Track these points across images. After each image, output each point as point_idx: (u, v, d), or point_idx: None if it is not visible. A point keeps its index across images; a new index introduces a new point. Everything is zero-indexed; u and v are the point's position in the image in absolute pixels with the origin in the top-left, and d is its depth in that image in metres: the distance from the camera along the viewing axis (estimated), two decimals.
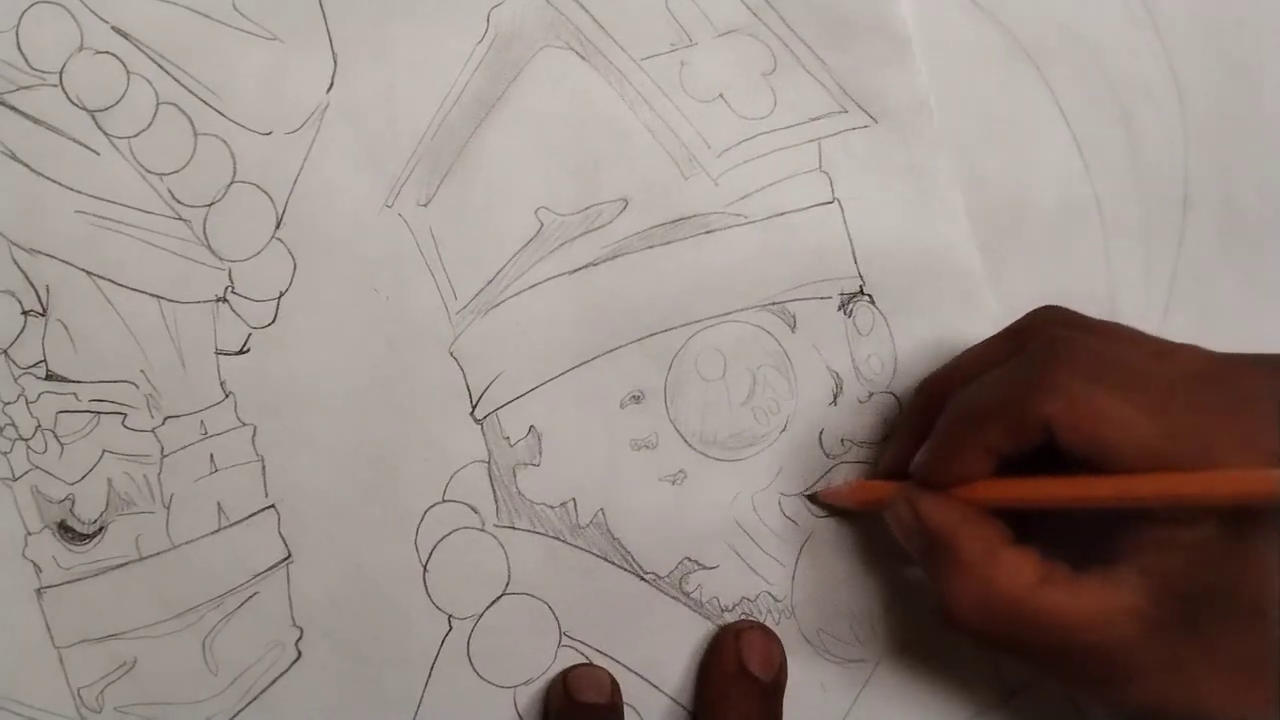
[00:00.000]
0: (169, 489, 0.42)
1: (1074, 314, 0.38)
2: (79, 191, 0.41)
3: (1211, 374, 0.35)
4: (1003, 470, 0.37)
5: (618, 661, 0.43)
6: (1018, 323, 0.39)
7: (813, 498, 0.44)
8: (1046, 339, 0.37)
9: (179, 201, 0.41)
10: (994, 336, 0.40)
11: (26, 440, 0.41)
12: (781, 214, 0.43)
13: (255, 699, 0.42)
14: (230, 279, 0.42)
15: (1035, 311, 0.39)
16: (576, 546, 0.43)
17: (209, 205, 0.41)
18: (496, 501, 0.42)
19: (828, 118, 0.44)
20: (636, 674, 0.43)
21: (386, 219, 0.42)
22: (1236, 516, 0.33)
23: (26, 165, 0.41)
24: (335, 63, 0.42)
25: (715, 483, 0.43)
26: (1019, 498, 0.37)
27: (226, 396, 0.42)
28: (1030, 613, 0.35)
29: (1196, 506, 0.34)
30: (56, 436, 0.41)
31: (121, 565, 0.41)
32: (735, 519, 0.43)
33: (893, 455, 0.42)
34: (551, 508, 0.43)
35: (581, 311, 0.43)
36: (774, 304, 0.43)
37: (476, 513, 0.42)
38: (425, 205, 0.42)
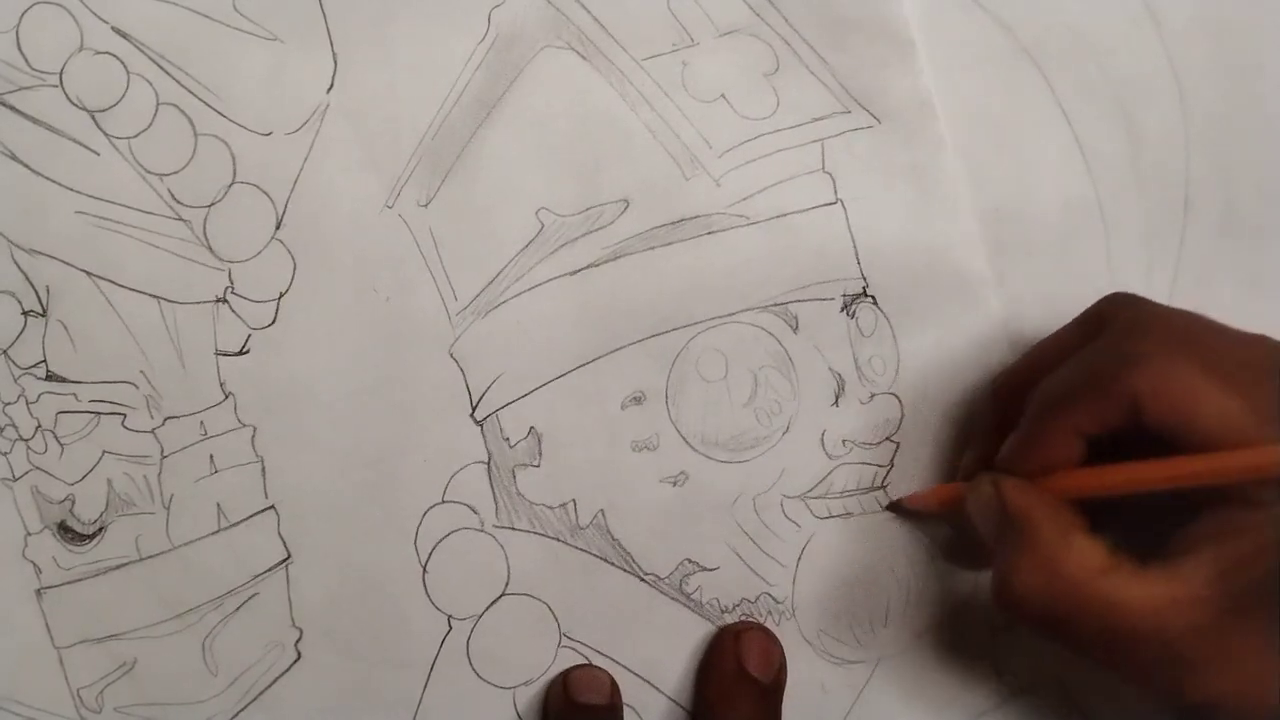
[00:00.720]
0: (169, 490, 0.42)
1: (1145, 299, 0.38)
2: (79, 192, 0.41)
3: None
4: (1090, 461, 0.37)
5: (617, 662, 0.43)
6: (1089, 310, 0.39)
7: (893, 507, 0.44)
8: (1126, 320, 0.37)
9: (179, 202, 0.41)
10: (1065, 326, 0.40)
11: (26, 441, 0.41)
12: (784, 215, 0.43)
13: (255, 699, 0.42)
14: (230, 279, 0.42)
15: (1106, 298, 0.39)
16: (576, 547, 0.43)
17: (209, 206, 0.41)
18: (496, 502, 0.42)
19: (830, 118, 0.43)
20: (636, 675, 0.43)
21: (387, 219, 0.42)
22: None
23: (26, 166, 0.41)
24: (335, 63, 0.42)
25: (716, 484, 0.43)
26: (1103, 484, 0.37)
27: (226, 397, 0.42)
28: (1093, 598, 0.35)
29: (1276, 481, 0.34)
30: (56, 437, 0.41)
31: (121, 566, 0.41)
32: (736, 520, 0.43)
33: (974, 457, 0.42)
34: (551, 509, 0.43)
35: (582, 312, 0.43)
36: (776, 305, 0.43)
37: (476, 513, 0.42)
38: (425, 206, 0.42)
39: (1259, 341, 0.36)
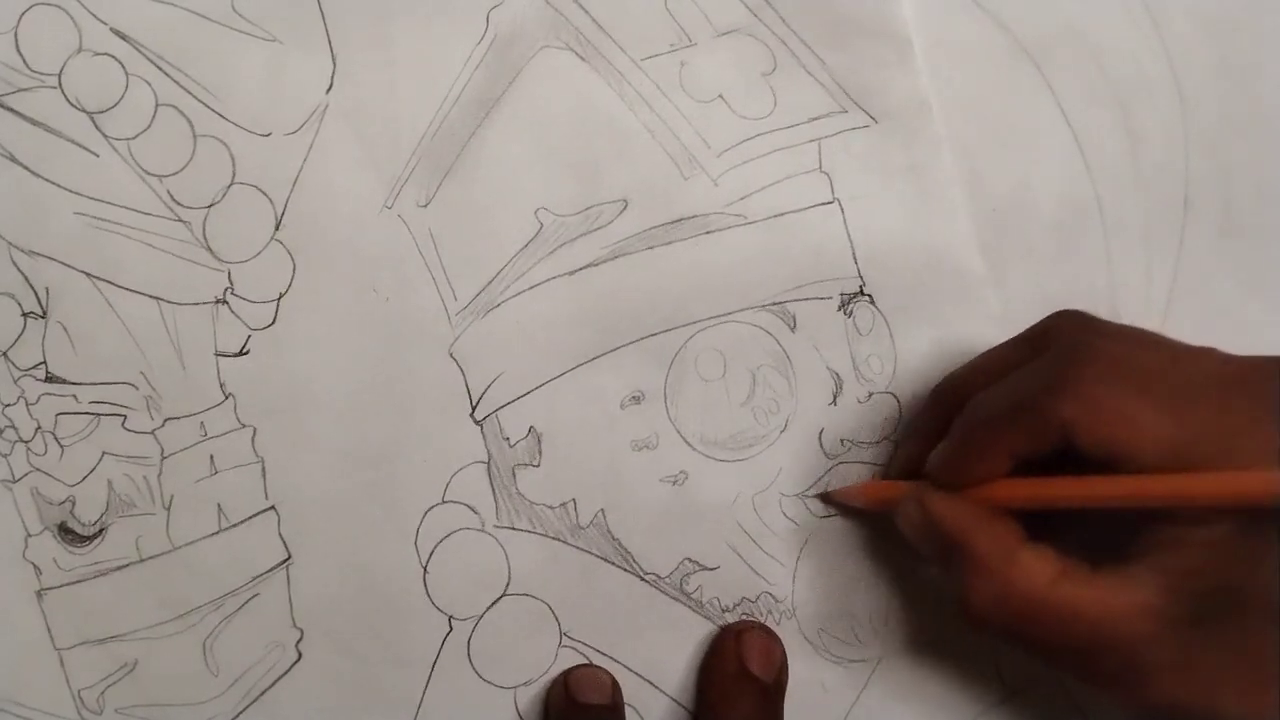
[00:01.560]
0: (169, 490, 0.42)
1: (1092, 318, 0.38)
2: (78, 193, 0.41)
3: (1229, 377, 0.35)
4: (1018, 472, 0.37)
5: (618, 662, 0.43)
6: (1035, 327, 0.39)
7: (823, 497, 0.43)
8: (1067, 342, 0.37)
9: (178, 203, 0.41)
10: (1010, 340, 0.40)
11: (26, 442, 0.41)
12: (781, 214, 0.43)
13: (256, 700, 0.42)
14: (230, 280, 0.42)
15: (1053, 316, 0.39)
16: (577, 547, 0.43)
17: (208, 207, 0.41)
18: (496, 502, 0.42)
19: (828, 118, 0.43)
20: (637, 674, 0.43)
21: (386, 220, 0.42)
22: (1253, 517, 0.33)
23: (26, 167, 0.41)
24: (334, 64, 0.42)
25: (715, 483, 0.43)
26: (1035, 498, 0.37)
27: (226, 398, 0.42)
28: (1048, 609, 0.35)
29: (1212, 507, 0.34)
30: (56, 438, 0.41)
31: (122, 567, 0.42)
32: (736, 519, 0.43)
33: (905, 456, 0.42)
34: (551, 508, 0.43)
35: (581, 312, 0.43)
36: (774, 304, 0.43)
37: (476, 513, 0.42)
38: (425, 206, 0.42)
39: (1202, 356, 0.36)
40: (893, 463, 0.43)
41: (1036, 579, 0.35)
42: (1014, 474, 0.37)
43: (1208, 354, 0.36)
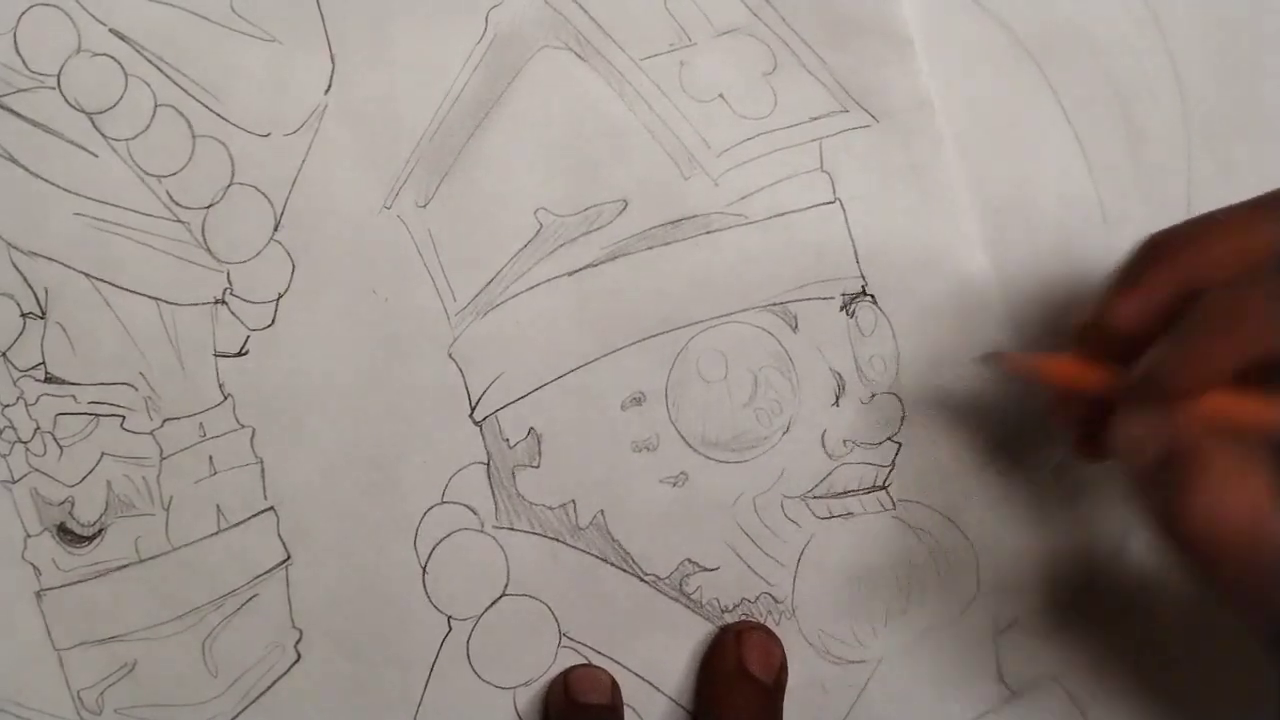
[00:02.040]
0: (168, 491, 0.42)
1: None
2: (77, 194, 0.41)
3: None
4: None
5: (618, 662, 0.43)
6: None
7: (989, 357, 0.41)
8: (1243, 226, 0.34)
9: (177, 203, 0.41)
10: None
11: (25, 443, 0.41)
12: (782, 214, 0.43)
13: (255, 700, 0.42)
14: (229, 281, 0.42)
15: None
16: (576, 548, 0.43)
17: (207, 207, 0.41)
18: (496, 503, 0.42)
19: (828, 117, 0.43)
20: (637, 675, 0.43)
21: (385, 220, 0.42)
22: None
23: (25, 168, 0.41)
24: (333, 64, 0.42)
25: (716, 484, 0.43)
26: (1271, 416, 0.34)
27: (225, 398, 0.42)
28: (1271, 532, 0.33)
29: None
30: (55, 439, 0.41)
31: (121, 567, 0.42)
32: (736, 521, 0.43)
33: (1093, 325, 0.38)
34: (551, 509, 0.43)
35: (581, 313, 0.43)
36: (775, 304, 0.43)
37: (476, 514, 0.42)
38: (424, 206, 0.42)
39: None
40: (1078, 328, 0.38)
41: (1263, 496, 0.33)
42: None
43: None
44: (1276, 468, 0.34)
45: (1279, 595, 0.33)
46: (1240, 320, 0.34)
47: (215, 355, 0.42)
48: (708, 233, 0.43)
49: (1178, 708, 0.43)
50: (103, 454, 0.41)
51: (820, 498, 0.43)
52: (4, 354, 0.41)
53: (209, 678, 0.42)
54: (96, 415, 0.41)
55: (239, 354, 0.42)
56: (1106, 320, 0.37)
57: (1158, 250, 0.36)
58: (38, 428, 0.41)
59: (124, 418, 0.41)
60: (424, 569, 0.42)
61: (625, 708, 0.43)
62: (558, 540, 0.43)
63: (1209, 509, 0.33)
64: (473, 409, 0.42)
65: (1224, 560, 0.34)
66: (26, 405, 0.41)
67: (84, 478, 0.41)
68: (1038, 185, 0.44)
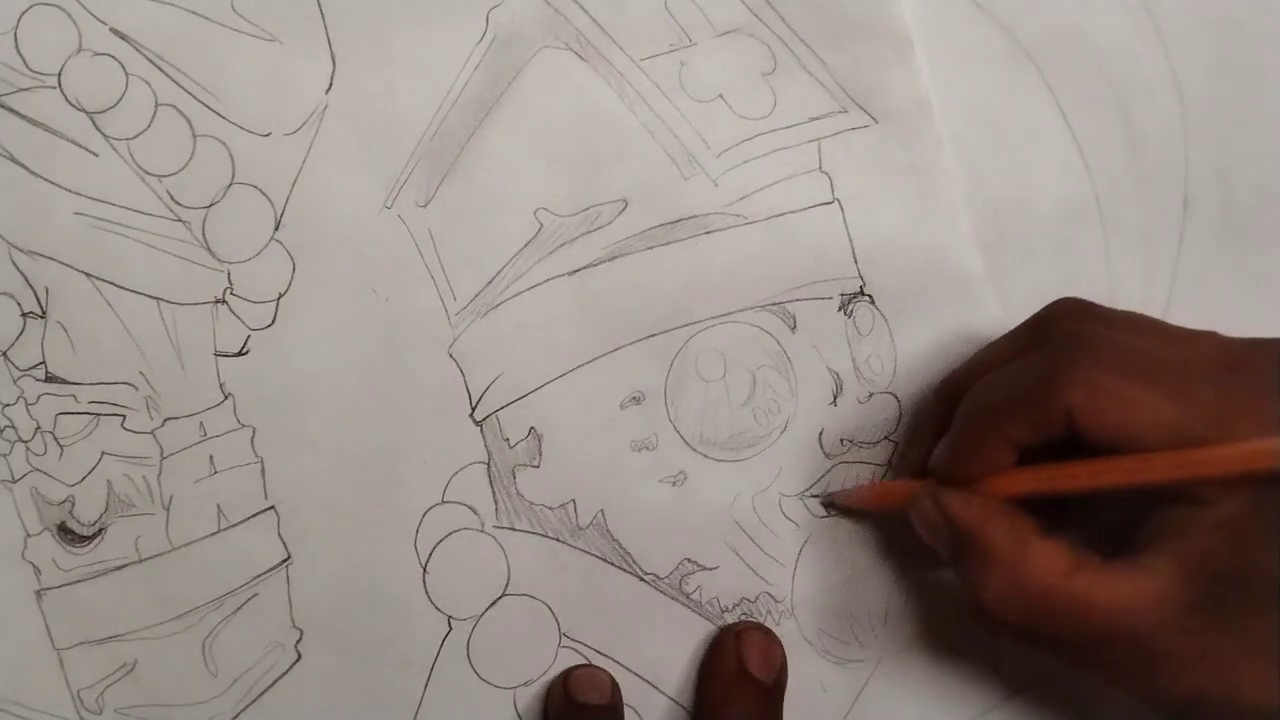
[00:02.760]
0: (168, 490, 0.42)
1: (1091, 305, 0.38)
2: (78, 193, 0.41)
3: (1229, 358, 0.35)
4: (1022, 463, 0.37)
5: (618, 662, 0.43)
6: (1035, 317, 0.39)
7: (827, 501, 0.43)
8: (1066, 331, 0.37)
9: (178, 203, 0.41)
10: (1011, 332, 0.40)
11: (26, 442, 0.41)
12: (781, 214, 0.43)
13: (255, 700, 0.42)
14: (229, 280, 0.42)
15: (1052, 305, 0.39)
16: (576, 548, 0.43)
17: (208, 207, 0.41)
18: (496, 503, 0.42)
19: (828, 118, 0.43)
20: (637, 675, 0.43)
21: (385, 220, 0.42)
22: (1261, 494, 0.33)
23: (25, 167, 0.41)
24: (334, 64, 0.42)
25: (715, 484, 0.43)
26: (1043, 486, 0.37)
27: (226, 398, 0.42)
28: (1062, 601, 0.35)
29: (1218, 480, 0.34)
30: (56, 438, 0.41)
31: (121, 567, 0.42)
32: (735, 520, 0.43)
33: (911, 455, 0.42)
34: (551, 509, 0.43)
35: (581, 312, 0.43)
36: (774, 304, 0.43)
37: (476, 514, 0.42)
38: (424, 206, 0.42)
39: (1201, 339, 0.36)
40: (898, 462, 0.43)
41: (1051, 571, 0.35)
42: (1019, 465, 0.37)
43: (1207, 336, 0.36)
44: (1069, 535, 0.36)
45: (1100, 659, 0.35)
46: (994, 411, 0.37)
47: (216, 355, 0.42)
48: (707, 233, 0.43)
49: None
50: (103, 453, 0.41)
51: (818, 496, 0.43)
52: (4, 353, 0.41)
53: (209, 677, 0.42)
54: (97, 415, 0.41)
55: (239, 354, 0.42)
56: (911, 469, 0.42)
57: (941, 393, 0.42)
58: (38, 427, 0.41)
59: (124, 417, 0.41)
60: (424, 569, 0.42)
61: (625, 708, 0.43)
62: (558, 540, 0.43)
63: (999, 590, 0.36)
64: (473, 409, 0.42)
65: (1036, 636, 0.36)
66: (27, 405, 0.41)
67: (84, 477, 0.41)
68: (1036, 185, 0.44)
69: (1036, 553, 0.36)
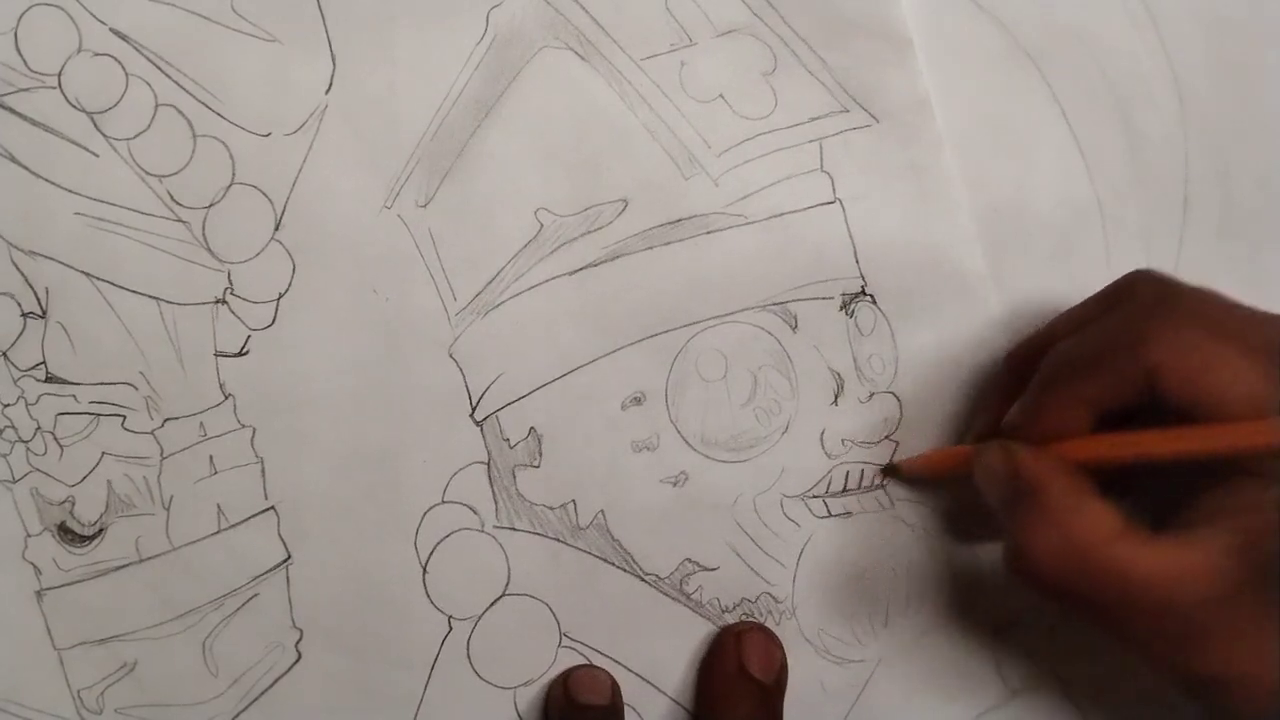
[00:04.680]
0: (169, 491, 0.42)
1: (1171, 277, 0.38)
2: (78, 193, 0.41)
3: None
4: (1097, 430, 0.37)
5: (618, 662, 0.43)
6: (1111, 285, 0.39)
7: (890, 470, 0.43)
8: (1150, 292, 0.37)
9: (178, 203, 0.41)
10: (1085, 301, 0.40)
11: (26, 442, 0.41)
12: (782, 214, 0.43)
13: (255, 700, 0.42)
14: (229, 280, 0.42)
15: (1130, 274, 0.39)
16: (577, 548, 0.43)
17: (208, 207, 0.41)
18: (496, 503, 0.42)
19: (828, 117, 0.43)
20: (637, 675, 0.43)
21: (386, 220, 0.42)
22: None
23: (25, 167, 0.41)
24: (334, 64, 0.42)
25: (716, 484, 0.43)
26: (1116, 452, 0.36)
27: (226, 398, 0.42)
28: (1106, 564, 0.34)
29: None
30: (56, 438, 0.41)
31: (121, 567, 0.42)
32: (736, 520, 0.43)
33: (982, 423, 0.42)
34: (551, 509, 0.43)
35: (582, 312, 0.43)
36: (775, 304, 0.43)
37: (476, 514, 0.42)
38: (424, 206, 0.42)
39: (1277, 319, 0.36)
40: (970, 430, 0.43)
41: (1100, 531, 0.35)
42: (1095, 431, 0.37)
43: None
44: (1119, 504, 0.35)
45: (1135, 628, 0.35)
46: (1074, 369, 0.37)
47: (216, 355, 0.42)
48: (708, 233, 0.43)
49: (1177, 707, 0.43)
50: (103, 453, 0.41)
51: (819, 497, 0.43)
52: (4, 354, 0.41)
53: (209, 677, 0.42)
54: (97, 415, 0.41)
55: (239, 354, 0.42)
56: (980, 438, 0.41)
57: (1013, 359, 0.42)
58: (38, 427, 0.41)
59: (125, 417, 0.41)
60: (424, 569, 0.42)
61: (625, 708, 0.43)
62: (558, 540, 0.43)
63: (1045, 544, 0.35)
64: (473, 409, 0.42)
65: (1072, 596, 0.35)
66: (27, 405, 0.41)
67: (84, 477, 0.41)
68: (1036, 185, 0.44)
69: (1090, 512, 0.35)
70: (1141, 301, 0.37)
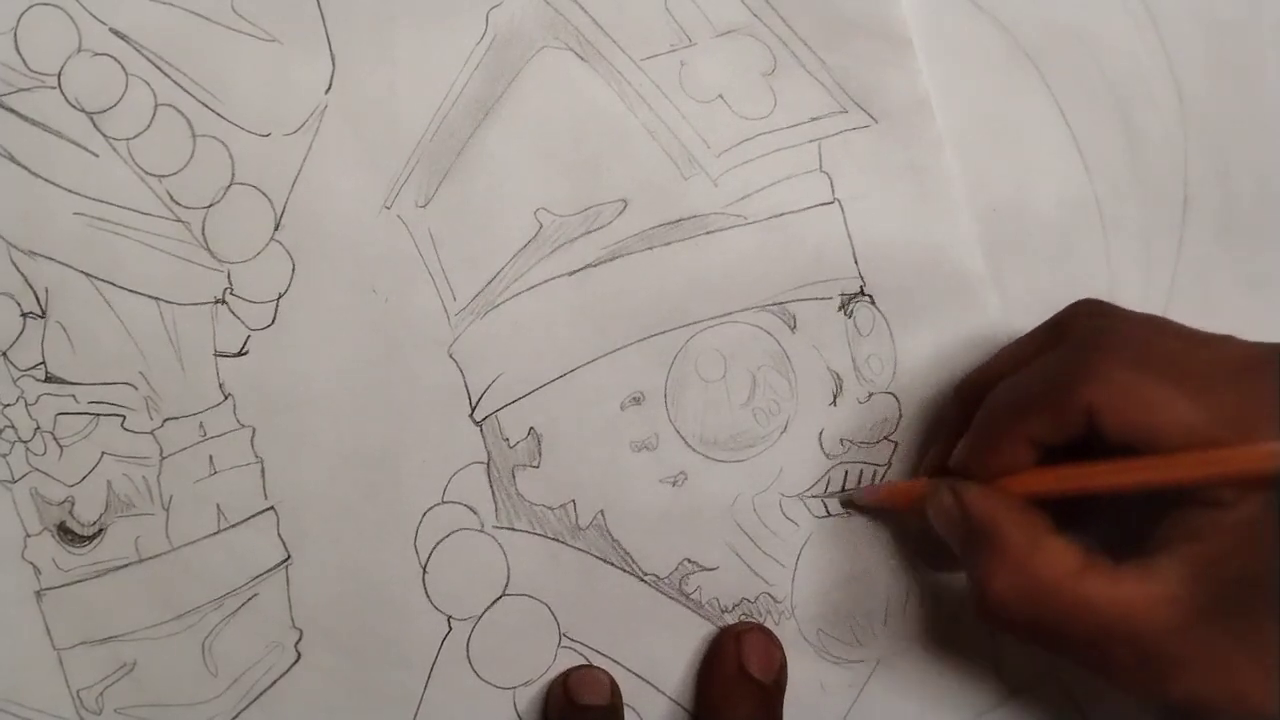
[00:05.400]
0: (168, 491, 0.42)
1: (1112, 306, 0.38)
2: (78, 193, 0.41)
3: (1251, 361, 0.35)
4: (1042, 465, 0.37)
5: (618, 663, 0.43)
6: (1054, 317, 0.39)
7: (845, 500, 0.43)
8: (1087, 328, 0.37)
9: (177, 203, 0.41)
10: (1030, 332, 0.40)
11: (26, 442, 0.41)
12: (781, 214, 0.43)
13: (255, 700, 0.42)
14: (229, 280, 0.42)
15: (1072, 305, 0.39)
16: (576, 548, 0.43)
17: (208, 207, 0.41)
18: (496, 503, 0.42)
19: (828, 118, 0.43)
20: (637, 675, 0.43)
21: (385, 220, 0.42)
22: (1277, 499, 0.33)
23: (25, 167, 0.41)
24: (334, 64, 0.42)
25: (715, 484, 0.43)
26: (1062, 486, 0.37)
27: (225, 398, 0.42)
28: (1070, 600, 0.35)
29: (1237, 481, 0.33)
30: (56, 438, 0.41)
31: (121, 567, 0.42)
32: (735, 520, 0.43)
33: (935, 455, 0.42)
34: (551, 509, 0.43)
35: (581, 313, 0.43)
36: (774, 304, 0.43)
37: (476, 514, 0.42)
38: (424, 206, 0.42)
39: (1222, 343, 0.36)
40: (922, 464, 0.43)
41: (1060, 568, 0.35)
42: (1039, 465, 0.37)
43: (1228, 340, 0.36)
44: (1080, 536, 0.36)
45: (1106, 660, 0.35)
46: (1015, 407, 0.37)
47: (215, 355, 0.42)
48: (707, 233, 0.43)
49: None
50: (103, 453, 0.41)
51: (818, 497, 0.43)
52: (4, 354, 0.41)
53: (209, 677, 0.42)
54: (97, 415, 0.41)
55: (239, 354, 0.42)
56: (931, 471, 0.42)
57: (960, 392, 0.42)
58: (38, 427, 0.41)
59: (124, 417, 0.41)
60: (424, 569, 0.42)
61: (625, 708, 0.43)
62: (558, 540, 0.43)
63: (1007, 585, 0.36)
64: (473, 409, 0.42)
65: (1040, 634, 0.36)
66: (27, 405, 0.41)
67: (84, 477, 0.41)
68: (1035, 185, 0.44)
69: (1047, 550, 0.35)
70: (1079, 339, 0.37)
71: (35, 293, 0.41)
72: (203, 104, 0.41)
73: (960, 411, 0.41)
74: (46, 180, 0.41)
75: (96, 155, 0.41)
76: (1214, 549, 0.34)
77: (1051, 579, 0.35)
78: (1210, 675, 0.34)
